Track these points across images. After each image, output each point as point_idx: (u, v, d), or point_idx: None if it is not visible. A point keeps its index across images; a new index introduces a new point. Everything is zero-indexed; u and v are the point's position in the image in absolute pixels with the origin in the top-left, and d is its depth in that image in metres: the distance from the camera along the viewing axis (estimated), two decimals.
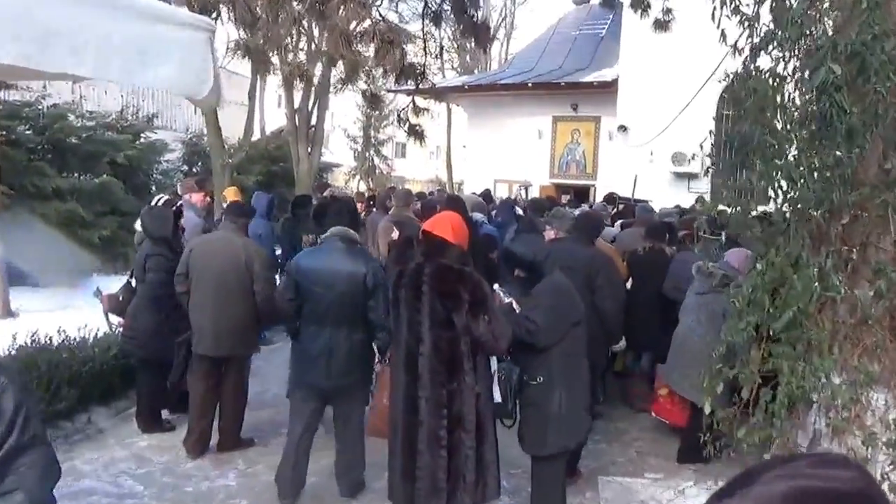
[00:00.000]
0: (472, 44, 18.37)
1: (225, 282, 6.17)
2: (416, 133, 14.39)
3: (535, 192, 20.56)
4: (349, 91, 17.97)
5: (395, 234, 7.21)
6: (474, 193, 15.29)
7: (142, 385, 6.95)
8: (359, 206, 10.95)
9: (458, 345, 4.17)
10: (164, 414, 7.05)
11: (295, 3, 11.33)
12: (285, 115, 16.30)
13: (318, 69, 14.43)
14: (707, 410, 4.57)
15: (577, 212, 9.48)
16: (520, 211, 11.41)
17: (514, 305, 4.69)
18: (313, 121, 15.75)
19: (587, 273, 5.97)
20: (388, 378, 5.03)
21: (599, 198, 18.66)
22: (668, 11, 13.24)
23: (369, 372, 5.62)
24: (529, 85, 22.03)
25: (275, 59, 13.34)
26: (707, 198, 17.13)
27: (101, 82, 15.23)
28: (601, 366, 6.52)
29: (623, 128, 19.74)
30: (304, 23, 12.27)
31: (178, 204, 7.66)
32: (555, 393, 4.48)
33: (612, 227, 10.20)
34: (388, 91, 19.08)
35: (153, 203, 7.45)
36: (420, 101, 17.44)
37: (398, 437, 4.33)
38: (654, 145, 17.97)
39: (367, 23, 11.61)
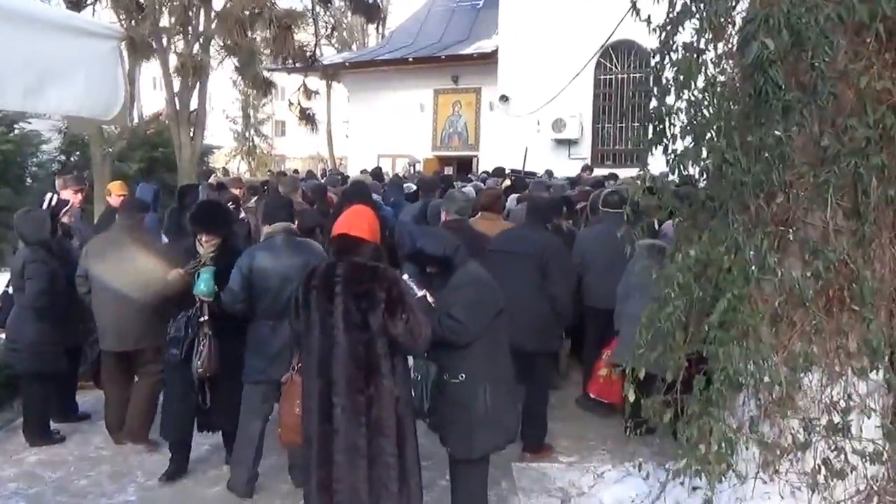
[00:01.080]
0: (364, 20, 18.05)
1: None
2: (309, 118, 14.00)
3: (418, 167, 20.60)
4: (228, 72, 17.38)
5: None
6: (365, 171, 15.01)
7: (28, 397, 6.53)
8: (238, 192, 10.54)
9: (374, 347, 3.90)
10: (52, 425, 6.62)
11: None
12: (164, 100, 15.66)
13: (195, 49, 13.82)
14: (631, 398, 4.49)
15: (467, 189, 9.35)
16: (413, 187, 11.25)
17: (429, 299, 4.48)
18: (193, 105, 15.23)
19: (540, 258, 5.93)
20: (296, 388, 4.87)
21: (482, 168, 18.77)
22: None
23: None
24: (410, 59, 21.99)
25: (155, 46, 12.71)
26: (589, 162, 17.68)
27: None
28: (556, 349, 6.57)
29: (504, 98, 19.86)
30: (192, 11, 11.56)
31: (56, 203, 7.18)
32: (479, 390, 4.25)
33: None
34: (269, 70, 18.49)
35: (45, 203, 6.99)
36: (310, 83, 17.01)
37: (313, 448, 4.02)
38: (536, 114, 18.11)
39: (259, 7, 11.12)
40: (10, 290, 6.58)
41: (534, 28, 18.37)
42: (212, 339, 5.41)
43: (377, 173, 13.91)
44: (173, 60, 15.19)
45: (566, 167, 17.27)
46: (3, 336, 6.77)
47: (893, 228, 3.95)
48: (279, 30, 11.45)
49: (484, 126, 21.82)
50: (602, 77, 19.26)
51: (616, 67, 19.12)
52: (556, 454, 6.25)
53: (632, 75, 18.92)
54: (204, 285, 5.28)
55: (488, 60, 20.53)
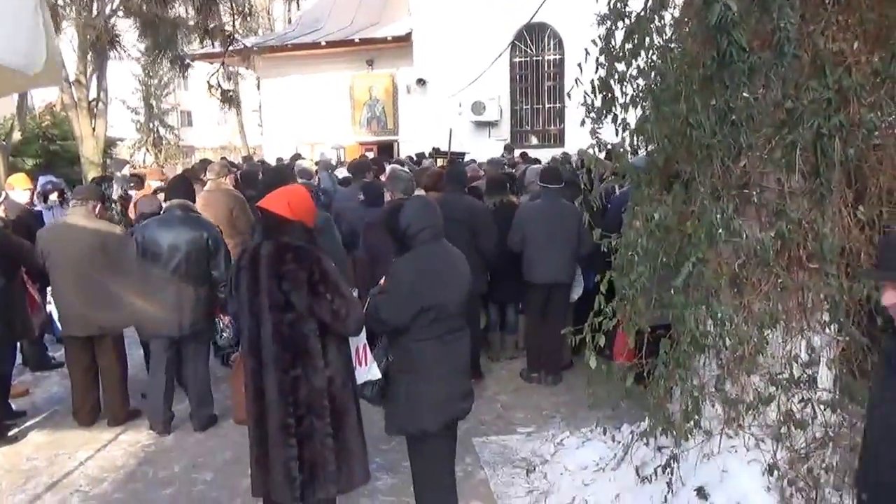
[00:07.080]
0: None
1: (84, 264, 6.22)
2: (230, 100, 13.60)
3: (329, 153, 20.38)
4: (123, 58, 16.82)
5: None
6: (281, 159, 14.78)
7: None
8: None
9: (300, 328, 3.90)
10: None
11: None
12: (60, 88, 15.01)
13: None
14: (593, 364, 4.52)
15: (395, 169, 9.31)
16: (344, 173, 11.19)
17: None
18: (93, 93, 14.63)
19: (470, 220, 6.77)
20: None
21: (404, 152, 18.74)
22: None
23: (212, 320, 6.56)
24: (322, 44, 21.62)
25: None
26: (510, 141, 17.84)
27: None
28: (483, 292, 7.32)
29: (421, 81, 19.85)
30: None
31: None
32: (402, 376, 4.11)
33: None
34: (188, 56, 17.72)
35: None
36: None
37: (251, 426, 4.09)
38: (456, 96, 18.17)
39: None
40: None
41: (447, 9, 18.41)
42: None
43: (298, 158, 13.73)
44: (69, 39, 14.45)
45: (488, 148, 17.38)
46: None
47: (848, 187, 4.08)
48: (205, 1, 11.04)
49: (402, 110, 21.74)
50: (517, 60, 19.43)
51: (531, 50, 19.30)
52: (514, 426, 6.36)
53: (546, 57, 19.18)
54: None
55: (402, 43, 20.46)
